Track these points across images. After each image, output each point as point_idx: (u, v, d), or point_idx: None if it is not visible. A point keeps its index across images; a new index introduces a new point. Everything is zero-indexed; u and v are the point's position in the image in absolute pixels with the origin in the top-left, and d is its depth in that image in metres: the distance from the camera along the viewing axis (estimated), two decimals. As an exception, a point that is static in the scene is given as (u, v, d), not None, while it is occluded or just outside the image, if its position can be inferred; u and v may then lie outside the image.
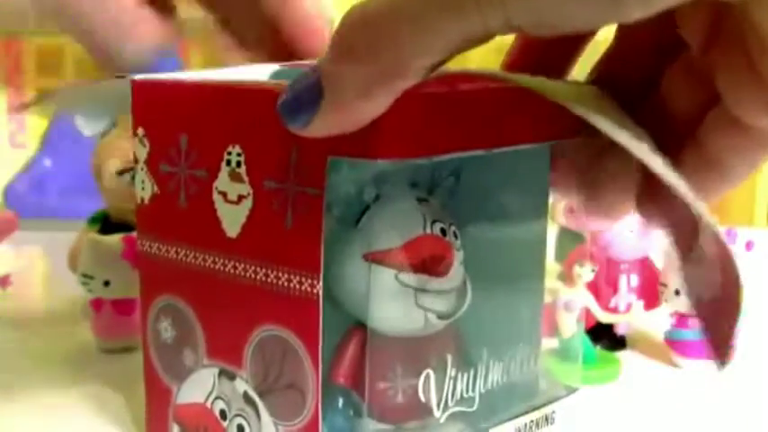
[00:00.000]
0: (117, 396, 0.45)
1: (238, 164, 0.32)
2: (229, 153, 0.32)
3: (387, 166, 0.32)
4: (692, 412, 0.45)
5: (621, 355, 0.51)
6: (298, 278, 0.31)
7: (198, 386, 0.35)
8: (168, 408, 0.37)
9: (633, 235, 0.50)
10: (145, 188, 0.36)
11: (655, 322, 0.52)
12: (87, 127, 0.45)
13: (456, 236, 0.34)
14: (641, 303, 0.51)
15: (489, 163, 0.34)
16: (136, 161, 0.36)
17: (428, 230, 0.33)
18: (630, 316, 0.51)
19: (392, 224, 0.32)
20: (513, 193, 0.37)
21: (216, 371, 0.35)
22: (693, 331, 0.49)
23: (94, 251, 0.50)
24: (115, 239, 0.50)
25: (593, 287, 0.50)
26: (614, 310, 0.51)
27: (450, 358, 0.33)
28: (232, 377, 0.34)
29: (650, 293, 0.51)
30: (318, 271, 0.30)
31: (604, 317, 0.51)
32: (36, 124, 0.92)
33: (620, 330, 0.52)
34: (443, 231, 0.33)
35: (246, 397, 0.34)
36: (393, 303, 0.32)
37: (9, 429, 0.43)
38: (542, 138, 0.33)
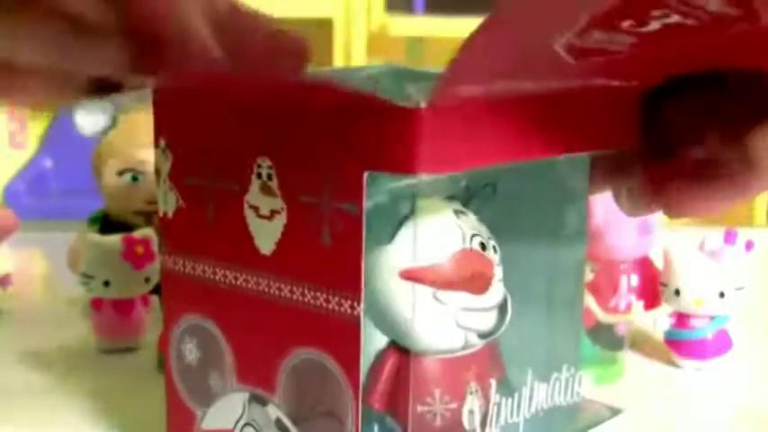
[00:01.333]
0: (117, 395, 0.45)
1: (269, 177, 0.31)
2: (259, 165, 0.31)
3: (423, 179, 0.30)
4: (692, 412, 0.45)
5: (621, 355, 0.51)
6: (337, 299, 0.29)
7: (226, 411, 0.34)
8: None
9: (633, 235, 0.50)
10: (168, 201, 0.34)
11: (655, 322, 0.52)
12: (88, 126, 0.43)
13: (495, 250, 0.33)
14: (641, 303, 0.51)
15: (527, 173, 0.33)
16: (158, 173, 0.34)
17: (468, 245, 0.32)
18: (630, 316, 0.51)
19: (430, 240, 0.31)
20: (553, 205, 0.35)
21: (246, 395, 0.33)
22: (693, 331, 0.49)
23: (94, 251, 0.50)
24: (115, 239, 0.50)
25: (593, 287, 0.50)
26: (614, 310, 0.51)
27: (494, 382, 0.32)
28: (264, 402, 0.32)
29: (650, 293, 0.51)
30: (359, 291, 0.29)
31: (604, 317, 0.51)
32: (36, 124, 0.92)
33: (620, 330, 0.52)
34: (483, 246, 0.32)
35: (279, 424, 0.32)
36: (431, 322, 0.31)
37: (9, 429, 0.43)
38: (582, 148, 0.32)
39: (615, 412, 0.37)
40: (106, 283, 0.50)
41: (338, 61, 1.03)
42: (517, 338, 0.34)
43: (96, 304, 0.52)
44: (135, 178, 0.57)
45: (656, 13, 0.26)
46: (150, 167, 0.57)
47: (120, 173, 0.57)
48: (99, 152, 0.58)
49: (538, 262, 0.36)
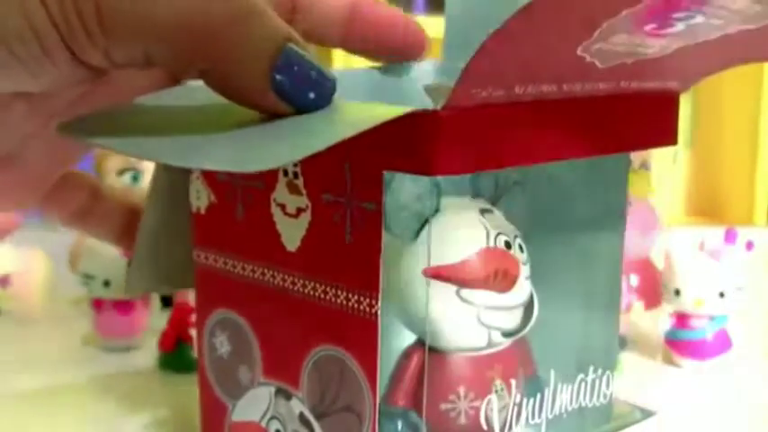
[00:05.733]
0: (117, 395, 0.45)
1: (295, 175, 0.31)
2: (287, 165, 0.31)
3: (446, 179, 0.30)
4: (692, 412, 0.45)
5: (621, 355, 0.51)
6: (356, 296, 0.30)
7: (254, 404, 0.34)
8: (224, 425, 0.35)
9: (634, 235, 0.50)
10: (200, 197, 0.35)
11: (655, 322, 0.52)
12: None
13: (522, 249, 0.33)
14: (641, 303, 0.51)
15: (563, 167, 0.33)
16: (190, 170, 0.35)
17: (491, 244, 0.32)
18: (630, 316, 0.51)
19: (454, 238, 0.31)
20: (587, 203, 0.35)
21: (272, 389, 0.33)
22: (693, 331, 0.49)
23: (95, 251, 0.50)
24: (115, 239, 0.50)
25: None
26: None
27: (514, 381, 0.32)
28: (288, 397, 0.33)
29: (650, 293, 0.51)
30: (377, 290, 0.29)
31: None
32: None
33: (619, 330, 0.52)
34: (508, 244, 0.32)
35: (302, 418, 0.32)
36: (455, 321, 0.31)
37: (9, 429, 0.43)
38: (611, 150, 0.32)
39: (647, 414, 0.37)
40: (106, 283, 0.51)
41: (337, 62, 1.03)
42: (543, 338, 0.34)
43: (96, 304, 0.52)
44: (135, 178, 0.57)
45: (679, 15, 0.26)
46: (150, 167, 0.58)
47: (120, 173, 0.57)
48: (99, 152, 0.58)
49: (573, 259, 0.36)
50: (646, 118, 0.33)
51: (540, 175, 0.35)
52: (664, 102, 0.33)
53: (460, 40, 0.38)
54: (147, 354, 0.51)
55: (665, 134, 0.34)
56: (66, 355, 0.51)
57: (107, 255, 0.50)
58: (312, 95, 0.27)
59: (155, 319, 0.52)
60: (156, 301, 0.53)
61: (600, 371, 0.35)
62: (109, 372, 0.49)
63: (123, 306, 0.51)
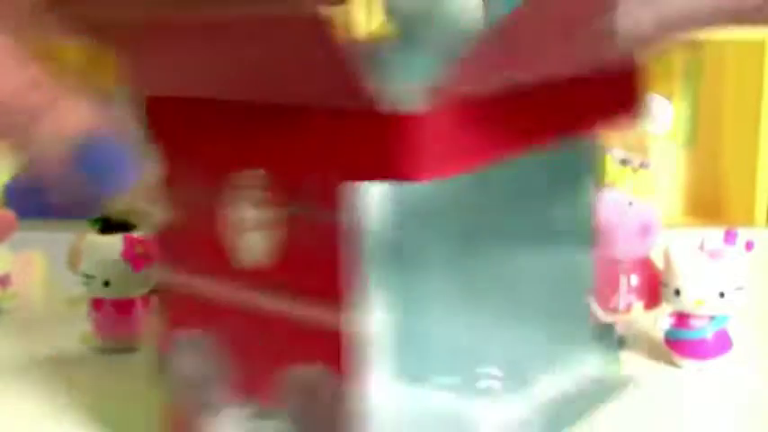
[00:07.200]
0: (117, 396, 0.45)
1: (261, 188, 0.30)
2: (252, 177, 0.30)
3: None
4: (692, 412, 0.45)
5: (621, 355, 0.51)
6: (323, 309, 0.29)
7: (227, 425, 0.34)
8: None
9: (634, 235, 0.50)
10: (163, 213, 0.34)
11: (655, 322, 0.52)
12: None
13: None
14: (641, 303, 0.51)
15: (530, 167, 0.33)
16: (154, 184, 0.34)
17: None
18: (630, 316, 0.51)
19: None
20: (555, 194, 0.35)
21: (246, 410, 0.33)
22: (693, 331, 0.49)
23: (94, 251, 0.50)
24: (115, 239, 0.50)
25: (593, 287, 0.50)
26: (614, 310, 0.51)
27: (499, 375, 0.33)
28: (264, 416, 0.32)
29: (650, 293, 0.51)
30: (345, 301, 0.29)
31: (604, 317, 0.51)
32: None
33: (619, 330, 0.52)
34: None
35: None
36: None
37: (9, 429, 0.43)
38: (578, 129, 0.32)
39: (625, 381, 0.37)
40: (106, 283, 0.50)
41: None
42: (521, 332, 0.34)
43: (96, 304, 0.52)
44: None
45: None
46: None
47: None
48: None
49: (546, 253, 0.36)
50: (610, 94, 0.33)
51: (513, 170, 0.34)
52: (623, 76, 0.33)
53: None
54: (147, 354, 0.51)
55: (628, 108, 0.34)
56: (65, 355, 0.51)
57: (107, 255, 0.50)
58: (114, 179, 0.27)
59: (155, 320, 0.52)
60: (156, 301, 0.53)
61: (579, 354, 0.35)
62: (108, 372, 0.49)
63: (123, 306, 0.51)
